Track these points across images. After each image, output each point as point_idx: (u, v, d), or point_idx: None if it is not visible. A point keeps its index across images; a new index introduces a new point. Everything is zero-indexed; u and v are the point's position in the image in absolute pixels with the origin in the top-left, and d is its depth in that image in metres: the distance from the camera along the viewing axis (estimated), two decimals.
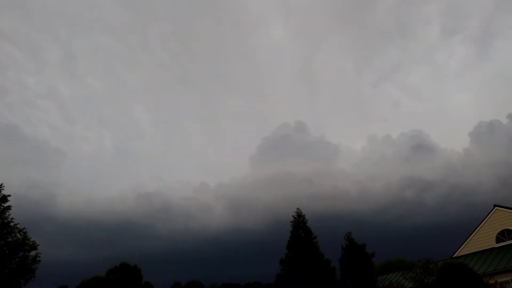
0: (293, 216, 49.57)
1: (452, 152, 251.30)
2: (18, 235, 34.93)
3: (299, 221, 49.01)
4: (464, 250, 49.50)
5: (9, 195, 34.94)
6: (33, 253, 35.54)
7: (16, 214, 35.42)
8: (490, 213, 47.69)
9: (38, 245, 35.84)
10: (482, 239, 47.70)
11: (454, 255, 49.96)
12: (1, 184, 34.86)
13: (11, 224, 34.59)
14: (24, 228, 35.34)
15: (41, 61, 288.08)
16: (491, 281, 36.48)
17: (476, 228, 48.97)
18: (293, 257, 46.26)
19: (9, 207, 34.83)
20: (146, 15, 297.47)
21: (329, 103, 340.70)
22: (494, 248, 45.73)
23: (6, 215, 34.61)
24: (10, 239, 34.26)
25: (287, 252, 47.42)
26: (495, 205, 47.24)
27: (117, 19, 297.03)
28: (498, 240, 46.18)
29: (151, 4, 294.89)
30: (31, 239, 35.61)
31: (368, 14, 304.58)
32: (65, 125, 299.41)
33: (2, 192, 34.86)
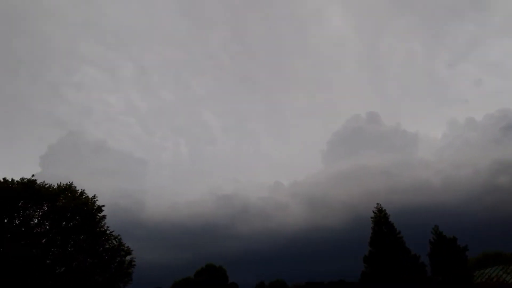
0: (373, 211, 47.89)
1: None
2: (114, 242, 37.52)
3: (380, 217, 47.22)
4: None
5: (103, 205, 37.85)
6: (128, 257, 37.84)
7: (110, 222, 38.03)
8: None
9: (132, 250, 38.43)
10: None
11: None
12: (95, 195, 37.64)
13: (108, 232, 37.33)
14: (119, 235, 37.93)
15: (118, 79, 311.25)
16: None
17: None
18: (377, 254, 44.62)
19: (104, 217, 37.55)
20: (206, 23, 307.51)
21: (401, 90, 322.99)
22: None
23: (102, 224, 37.44)
24: (107, 246, 36.99)
25: (370, 248, 45.90)
26: None
27: (180, 31, 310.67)
28: None
29: (209, 11, 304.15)
30: (126, 245, 38.07)
31: None
32: (144, 136, 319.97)
33: (96, 203, 37.38)
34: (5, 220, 32.68)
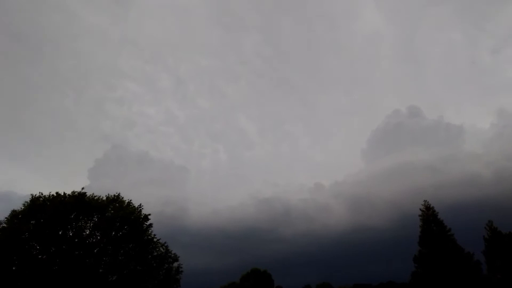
0: (420, 209, 46.13)
1: None
2: (161, 249, 38.42)
3: (429, 214, 45.42)
4: None
5: (149, 214, 38.87)
6: (175, 264, 38.71)
7: (156, 229, 38.95)
8: None
9: (178, 256, 39.28)
10: None
11: None
12: (140, 204, 38.82)
13: (155, 239, 38.35)
14: (165, 242, 38.81)
15: (157, 91, 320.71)
16: None
17: None
18: (428, 253, 42.90)
19: (151, 225, 38.58)
20: (238, 29, 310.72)
21: (442, 81, 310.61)
22: None
23: (150, 232, 38.51)
24: (155, 253, 37.98)
25: (420, 248, 44.20)
26: None
27: (212, 39, 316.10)
28: None
29: (240, 17, 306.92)
30: (173, 252, 38.95)
31: None
32: (184, 145, 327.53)
33: (143, 212, 38.43)
34: (60, 232, 34.37)
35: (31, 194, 35.93)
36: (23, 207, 35.18)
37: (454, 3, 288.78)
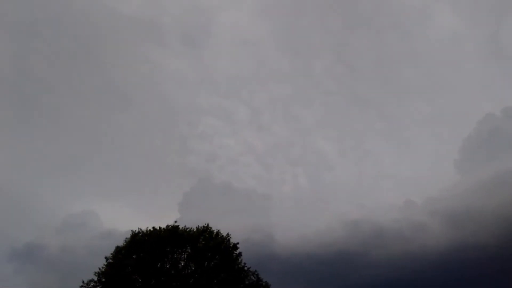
0: None
1: None
2: (253, 277, 38.26)
3: None
4: None
5: (237, 243, 39.39)
6: None
7: (245, 257, 39.15)
8: None
9: (270, 284, 39.02)
10: None
11: None
12: (228, 233, 39.46)
13: (246, 268, 38.59)
14: (256, 270, 38.76)
15: (234, 123, 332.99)
16: None
17: None
18: None
19: (240, 254, 38.94)
20: (307, 52, 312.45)
21: None
22: None
23: (240, 261, 38.89)
24: (247, 282, 38.06)
25: None
26: None
27: (283, 66, 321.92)
28: None
29: (309, 40, 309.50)
30: (264, 280, 38.75)
31: None
32: (264, 173, 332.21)
33: (231, 241, 39.05)
34: (158, 265, 36.45)
35: (132, 230, 38.62)
36: (124, 243, 37.96)
37: None
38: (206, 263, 37.24)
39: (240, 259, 38.91)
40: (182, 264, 37.05)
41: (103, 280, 35.94)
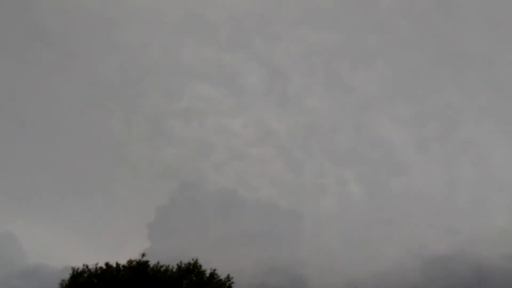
0: None
1: None
2: None
3: None
4: None
5: None
6: None
7: None
8: None
9: None
10: None
11: None
12: (229, 275, 29.02)
13: None
14: None
15: (241, 93, 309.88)
16: None
17: None
18: None
19: None
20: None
21: None
22: None
23: None
24: None
25: None
26: None
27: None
28: None
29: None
30: None
31: None
32: (291, 175, 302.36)
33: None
34: None
35: (72, 267, 28.43)
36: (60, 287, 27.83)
37: None
38: None
39: None
40: None
41: None
